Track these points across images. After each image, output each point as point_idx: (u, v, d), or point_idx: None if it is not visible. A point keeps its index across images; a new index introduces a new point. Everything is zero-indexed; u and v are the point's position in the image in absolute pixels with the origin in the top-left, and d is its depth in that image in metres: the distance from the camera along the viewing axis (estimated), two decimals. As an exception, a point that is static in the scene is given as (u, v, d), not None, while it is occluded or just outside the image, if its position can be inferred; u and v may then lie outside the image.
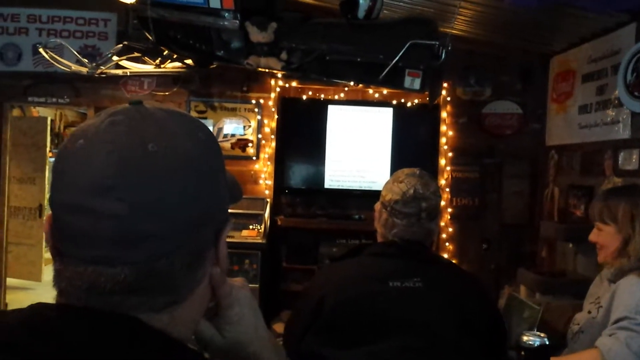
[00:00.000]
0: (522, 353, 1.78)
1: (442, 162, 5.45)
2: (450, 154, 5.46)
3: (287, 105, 5.58)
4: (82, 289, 0.68)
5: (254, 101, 5.50)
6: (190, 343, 0.80)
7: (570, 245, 4.60)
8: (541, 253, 5.19)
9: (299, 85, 5.51)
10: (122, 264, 0.67)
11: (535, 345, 1.55)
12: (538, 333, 1.63)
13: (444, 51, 3.50)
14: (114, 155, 0.67)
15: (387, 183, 1.99)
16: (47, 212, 7.80)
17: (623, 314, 1.85)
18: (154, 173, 0.68)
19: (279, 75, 5.22)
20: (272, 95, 5.49)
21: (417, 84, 3.56)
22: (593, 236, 2.19)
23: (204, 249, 0.75)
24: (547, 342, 1.58)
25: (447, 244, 5.38)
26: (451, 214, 5.42)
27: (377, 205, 1.99)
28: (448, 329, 1.79)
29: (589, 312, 2.14)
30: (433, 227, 1.97)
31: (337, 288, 1.85)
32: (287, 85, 5.50)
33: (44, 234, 6.29)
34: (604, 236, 2.13)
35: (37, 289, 6.85)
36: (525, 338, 1.58)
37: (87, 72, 4.29)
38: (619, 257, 2.08)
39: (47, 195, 7.14)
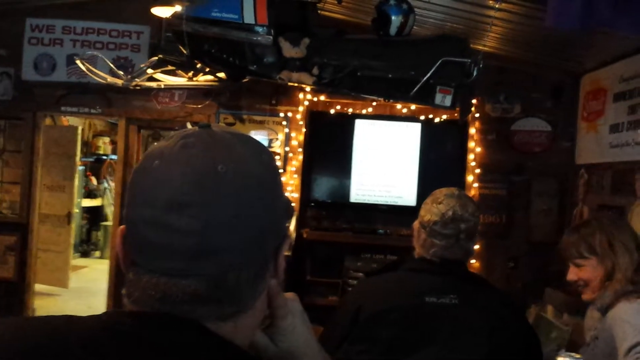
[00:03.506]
0: (557, 374, 1.77)
1: (470, 178, 5.43)
2: (477, 171, 5.44)
3: (315, 118, 5.62)
4: (155, 298, 0.73)
5: (282, 114, 5.54)
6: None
7: (600, 265, 4.54)
8: (569, 273, 5.13)
9: (327, 99, 5.55)
10: (194, 276, 0.72)
11: (571, 366, 1.55)
12: (573, 354, 1.63)
13: (475, 68, 3.51)
14: (188, 175, 0.72)
15: (425, 203, 2.00)
16: (75, 219, 7.88)
17: (634, 340, 1.82)
18: (224, 192, 0.72)
19: (308, 89, 5.26)
20: (300, 108, 5.53)
21: (448, 101, 3.57)
22: (572, 275, 2.12)
23: (267, 262, 0.79)
24: (582, 364, 1.57)
25: (473, 261, 5.35)
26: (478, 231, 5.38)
27: (416, 225, 2.01)
28: (480, 346, 1.81)
29: (588, 344, 2.14)
30: (471, 247, 1.98)
31: (373, 300, 1.90)
32: (315, 99, 5.54)
33: (71, 241, 6.37)
34: (587, 271, 2.07)
35: (64, 295, 6.93)
36: (560, 359, 1.58)
37: (123, 84, 4.37)
38: (603, 287, 2.03)
39: (75, 203, 7.25)
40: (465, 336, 1.82)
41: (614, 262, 2.01)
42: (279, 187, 0.82)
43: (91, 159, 10.20)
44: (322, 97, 5.52)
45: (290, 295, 0.91)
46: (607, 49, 4.41)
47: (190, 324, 0.72)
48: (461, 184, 5.30)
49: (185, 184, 0.71)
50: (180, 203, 0.71)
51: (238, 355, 0.75)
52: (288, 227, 0.86)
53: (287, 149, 5.55)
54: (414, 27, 3.76)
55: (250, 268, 0.76)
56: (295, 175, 5.52)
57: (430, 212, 1.95)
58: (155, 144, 0.80)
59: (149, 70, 4.39)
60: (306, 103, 5.53)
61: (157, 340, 0.71)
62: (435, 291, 1.86)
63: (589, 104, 4.93)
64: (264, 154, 0.80)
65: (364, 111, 5.59)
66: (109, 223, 9.42)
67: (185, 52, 3.81)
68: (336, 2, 4.07)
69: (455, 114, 4.46)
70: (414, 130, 5.57)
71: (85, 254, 9.91)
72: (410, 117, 5.56)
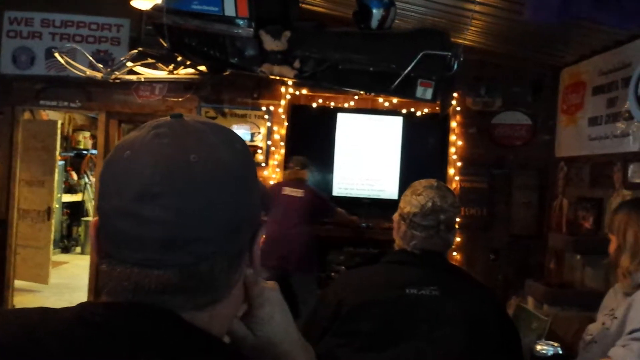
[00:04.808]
0: (536, 362, 1.79)
1: (451, 171, 5.46)
2: (459, 164, 5.47)
3: (297, 112, 5.61)
4: (128, 289, 0.72)
5: (264, 108, 5.53)
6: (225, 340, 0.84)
7: (579, 257, 4.59)
8: (549, 264, 5.18)
9: (309, 93, 5.54)
10: (167, 266, 0.72)
11: (549, 354, 1.56)
12: (551, 342, 1.64)
13: (456, 62, 3.52)
14: (159, 165, 0.71)
15: (405, 195, 2.00)
16: (55, 214, 7.79)
17: (638, 325, 1.87)
18: (196, 181, 0.72)
19: (290, 82, 5.24)
20: (282, 102, 5.52)
21: (428, 94, 3.57)
22: (610, 247, 2.24)
23: (241, 252, 0.79)
24: (560, 352, 1.58)
25: (455, 254, 5.38)
26: (459, 224, 5.41)
27: (396, 217, 2.01)
28: (461, 337, 1.81)
29: (603, 323, 2.16)
30: (451, 238, 1.99)
31: (355, 292, 1.90)
32: (297, 92, 5.53)
33: (52, 237, 6.29)
34: (611, 246, 2.17)
35: (44, 291, 6.87)
36: (538, 347, 1.59)
37: (102, 77, 4.32)
38: (614, 267, 2.13)
39: (55, 198, 7.17)
40: (445, 328, 1.82)
41: (622, 245, 2.09)
42: (253, 175, 0.81)
43: (71, 154, 10.09)
44: (304, 91, 5.52)
45: (270, 284, 0.90)
46: (587, 43, 4.44)
47: (164, 314, 0.72)
48: (442, 177, 5.32)
49: (157, 174, 0.71)
50: (152, 193, 0.70)
51: (214, 345, 0.74)
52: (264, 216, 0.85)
53: (269, 142, 5.54)
54: (395, 21, 3.76)
55: (225, 257, 0.75)
56: (278, 169, 5.51)
57: (410, 203, 1.95)
58: (127, 134, 0.79)
59: (129, 64, 4.35)
60: (288, 97, 5.52)
61: (130, 330, 0.70)
62: (415, 283, 1.86)
63: (569, 98, 4.97)
64: (237, 142, 0.80)
65: (346, 105, 5.60)
66: (90, 218, 9.35)
67: (165, 45, 3.78)
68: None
69: (437, 108, 4.48)
70: (395, 124, 5.59)
71: (65, 250, 9.82)
72: (392, 111, 5.57)
